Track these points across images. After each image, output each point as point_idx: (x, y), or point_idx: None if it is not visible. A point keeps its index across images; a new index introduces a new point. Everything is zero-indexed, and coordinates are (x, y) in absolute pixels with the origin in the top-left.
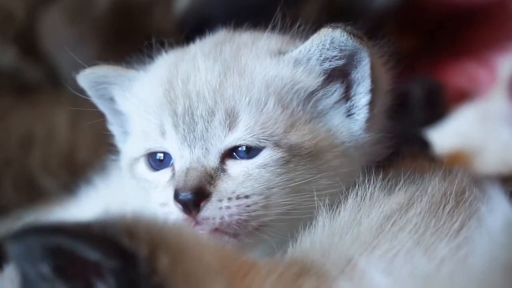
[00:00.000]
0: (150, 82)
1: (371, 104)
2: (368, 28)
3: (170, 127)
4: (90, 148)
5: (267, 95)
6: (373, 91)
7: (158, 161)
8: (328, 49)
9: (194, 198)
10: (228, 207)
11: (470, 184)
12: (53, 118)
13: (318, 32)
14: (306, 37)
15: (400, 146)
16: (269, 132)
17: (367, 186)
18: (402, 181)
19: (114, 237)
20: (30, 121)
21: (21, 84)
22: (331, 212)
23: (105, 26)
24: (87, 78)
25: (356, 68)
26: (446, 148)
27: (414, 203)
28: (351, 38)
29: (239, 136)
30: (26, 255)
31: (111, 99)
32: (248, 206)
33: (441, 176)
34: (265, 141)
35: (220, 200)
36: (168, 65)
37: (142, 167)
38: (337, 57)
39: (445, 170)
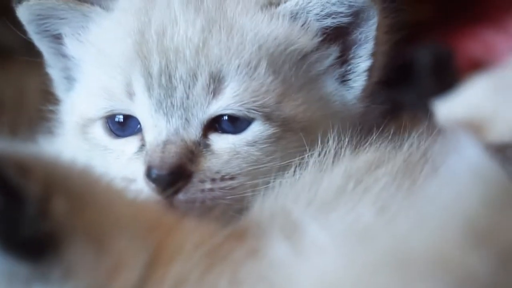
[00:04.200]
0: (114, 29)
1: (370, 70)
2: None
3: (141, 88)
4: None
5: (258, 57)
6: (374, 55)
7: (117, 123)
8: (333, 4)
9: (172, 178)
10: (212, 190)
11: None
12: (24, 84)
13: None
14: None
15: (398, 114)
16: (260, 102)
17: (333, 145)
18: (374, 139)
19: None
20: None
21: None
22: (290, 173)
23: None
24: (30, 10)
25: (361, 27)
26: (454, 119)
27: (384, 161)
28: None
29: (226, 104)
30: None
31: (55, 37)
32: (233, 188)
33: (422, 134)
34: (255, 112)
35: (202, 182)
36: (136, 10)
37: (100, 131)
38: (342, 14)
39: (427, 127)
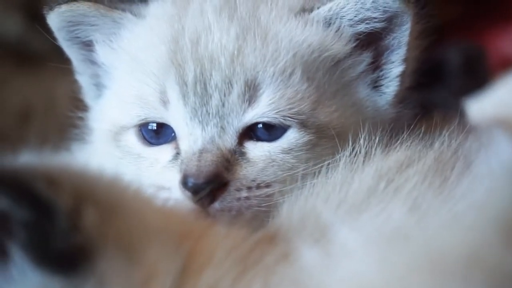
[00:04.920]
0: (147, 36)
1: (403, 75)
2: None
3: (176, 96)
4: None
5: (293, 64)
6: (406, 61)
7: (150, 131)
8: (367, 9)
9: (209, 187)
10: (247, 198)
11: None
12: (54, 90)
13: None
14: None
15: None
16: (295, 110)
17: (364, 145)
18: (404, 138)
19: (27, 182)
20: (29, 92)
21: (26, 53)
22: (321, 174)
23: None
24: (62, 17)
25: (394, 33)
26: (486, 117)
27: (415, 160)
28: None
29: (261, 111)
30: None
31: (85, 44)
32: (268, 196)
33: (453, 132)
34: (290, 119)
35: (238, 190)
36: (169, 17)
37: (133, 139)
38: (376, 20)
39: (459, 126)
